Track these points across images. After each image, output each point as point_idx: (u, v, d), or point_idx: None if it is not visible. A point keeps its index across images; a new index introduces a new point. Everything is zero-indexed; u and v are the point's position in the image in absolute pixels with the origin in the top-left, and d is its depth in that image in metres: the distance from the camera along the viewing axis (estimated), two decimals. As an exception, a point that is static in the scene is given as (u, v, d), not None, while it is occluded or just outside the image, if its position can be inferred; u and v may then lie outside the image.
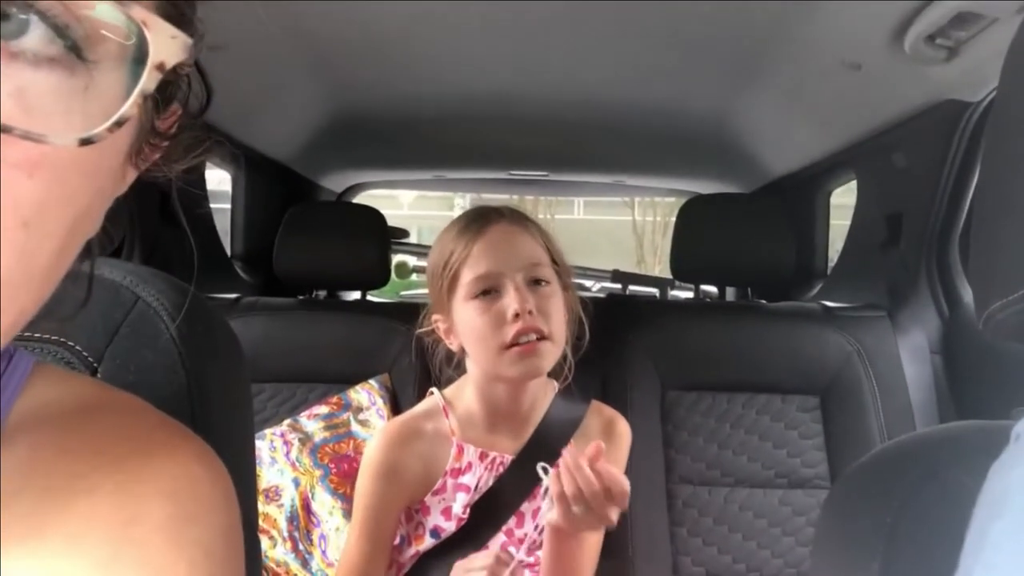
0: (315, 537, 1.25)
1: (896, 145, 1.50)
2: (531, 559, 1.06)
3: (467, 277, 1.04)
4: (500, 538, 1.06)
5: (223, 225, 2.01)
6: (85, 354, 0.44)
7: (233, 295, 1.67)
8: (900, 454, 0.45)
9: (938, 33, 1.13)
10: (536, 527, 1.07)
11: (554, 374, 1.14)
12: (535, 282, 1.03)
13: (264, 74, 1.53)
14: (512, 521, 1.07)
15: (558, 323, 1.03)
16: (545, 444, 1.10)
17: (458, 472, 1.06)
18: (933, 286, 1.45)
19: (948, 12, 1.07)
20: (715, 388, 1.42)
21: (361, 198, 2.69)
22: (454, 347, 1.09)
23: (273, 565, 1.21)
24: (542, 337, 1.01)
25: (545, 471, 0.94)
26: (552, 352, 1.03)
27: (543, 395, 1.12)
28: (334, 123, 1.90)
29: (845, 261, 1.76)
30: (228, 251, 2.02)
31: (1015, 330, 0.45)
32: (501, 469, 1.08)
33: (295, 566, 1.22)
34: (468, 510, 1.06)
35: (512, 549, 1.02)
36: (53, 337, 0.44)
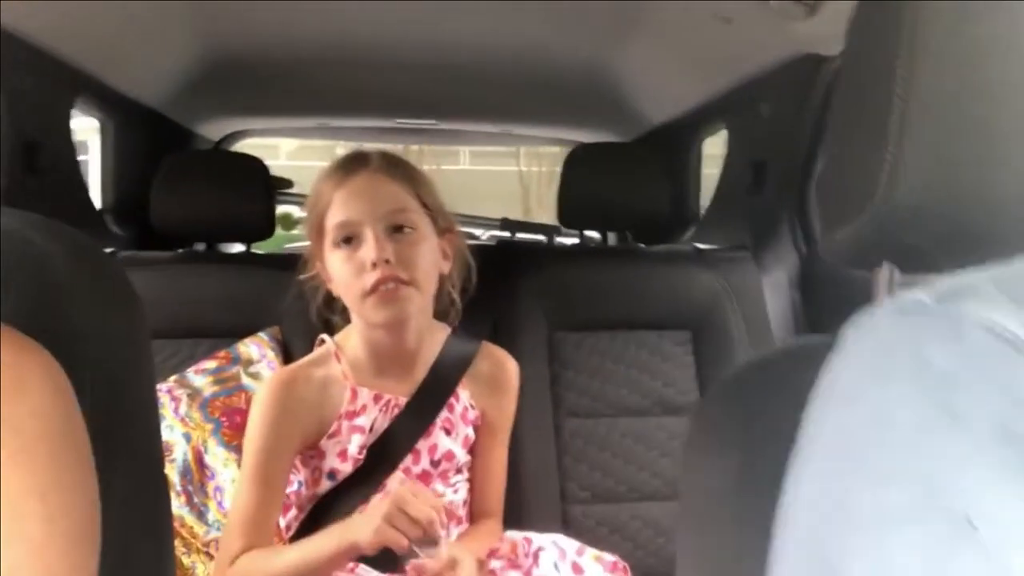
0: (210, 489, 1.24)
1: (762, 96, 1.60)
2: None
3: (330, 224, 1.06)
4: (398, 475, 1.10)
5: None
6: None
7: (107, 250, 1.59)
8: (758, 365, 0.51)
9: (799, -10, 1.22)
10: (432, 462, 1.12)
11: (442, 316, 1.18)
12: (398, 229, 1.05)
13: (132, 12, 1.44)
14: (408, 459, 1.10)
15: (423, 269, 1.06)
16: (437, 384, 1.14)
17: (353, 415, 1.09)
18: (793, 227, 1.57)
19: (807, -30, 1.15)
20: (598, 327, 1.50)
21: (239, 147, 2.60)
22: (335, 292, 1.11)
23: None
24: (403, 283, 1.03)
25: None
26: (415, 298, 1.05)
27: (431, 337, 1.16)
28: (209, 66, 1.82)
29: (716, 206, 1.88)
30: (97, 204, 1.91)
31: (851, 255, 0.52)
32: (396, 411, 1.11)
33: (190, 519, 1.22)
34: (364, 451, 1.09)
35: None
36: None
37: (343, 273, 1.05)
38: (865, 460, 0.28)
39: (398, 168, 1.10)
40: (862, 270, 0.54)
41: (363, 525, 0.94)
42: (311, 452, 1.09)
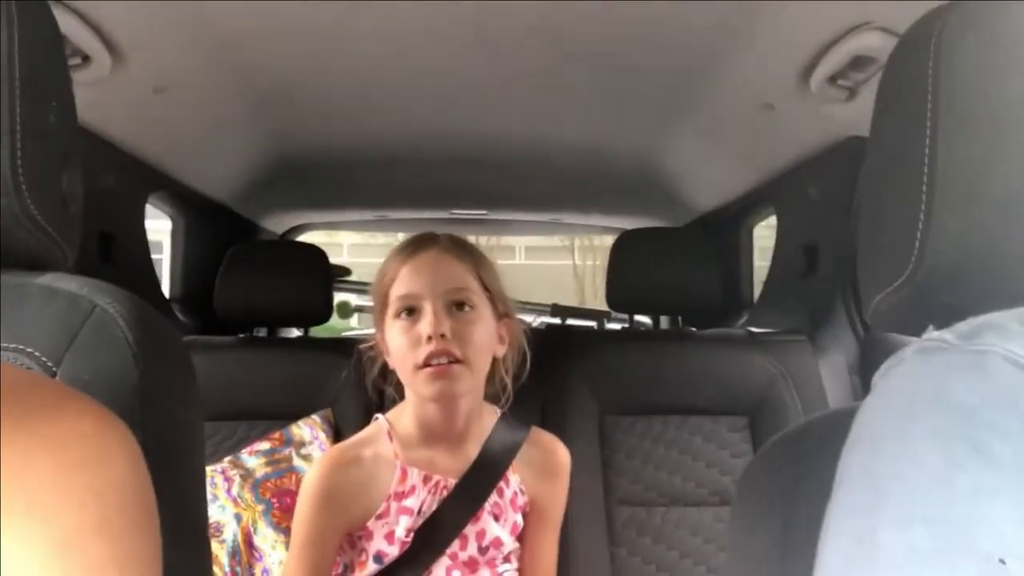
0: (257, 571, 1.24)
1: (809, 180, 1.61)
2: (476, 580, 1.08)
3: (393, 296, 1.09)
4: (444, 562, 1.08)
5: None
6: (44, 359, 0.47)
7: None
8: (803, 429, 0.50)
9: (839, 75, 1.24)
10: (480, 549, 1.09)
11: (493, 400, 1.18)
12: (458, 306, 1.07)
13: (205, 116, 1.56)
14: (456, 545, 1.09)
15: (476, 349, 1.07)
16: (487, 468, 1.13)
17: (402, 495, 1.08)
18: (849, 310, 1.54)
19: (846, 56, 1.18)
20: (650, 412, 1.48)
21: (302, 240, 2.71)
22: (391, 365, 1.13)
23: (216, 598, 1.20)
24: (455, 360, 1.04)
25: None
26: (466, 376, 1.06)
27: (479, 418, 1.15)
28: (275, 164, 1.93)
29: (769, 290, 1.86)
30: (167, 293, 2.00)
31: (895, 320, 0.52)
32: (445, 493, 1.10)
33: (238, 601, 1.21)
34: (411, 534, 1.07)
35: None
36: (12, 345, 0.46)
37: (400, 344, 1.08)
38: (892, 498, 0.27)
39: (464, 249, 1.13)
40: (907, 335, 0.54)
41: None
42: (359, 533, 1.08)
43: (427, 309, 1.06)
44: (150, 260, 1.77)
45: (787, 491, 0.43)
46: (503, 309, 1.15)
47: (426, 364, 1.04)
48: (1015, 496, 0.24)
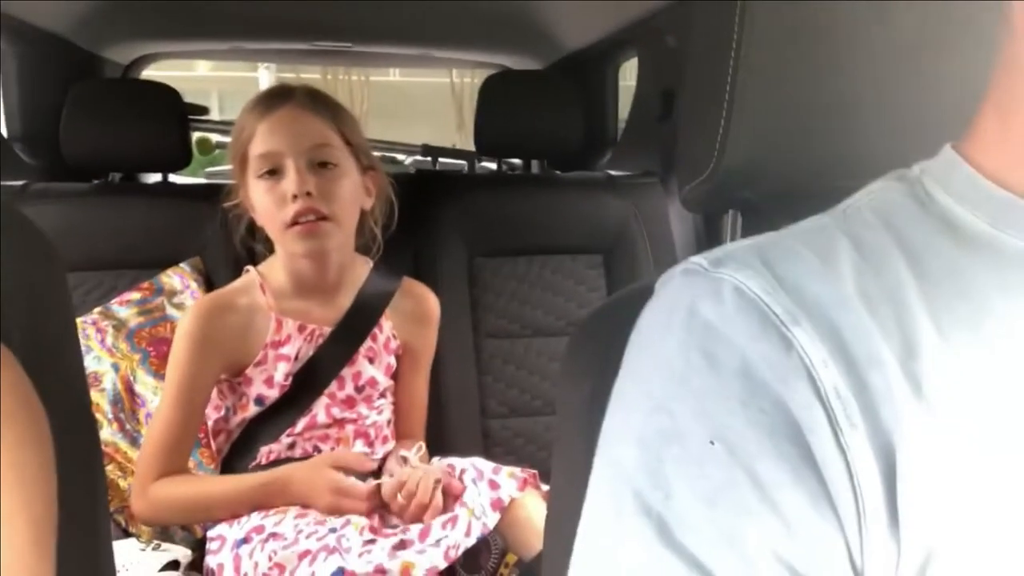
0: (141, 416, 1.29)
1: (667, 27, 1.65)
2: (352, 415, 1.19)
3: (252, 154, 1.08)
4: (323, 401, 1.16)
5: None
6: None
7: (19, 182, 1.56)
8: (619, 301, 0.59)
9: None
10: (356, 388, 1.19)
11: (364, 250, 1.23)
12: (322, 164, 1.08)
13: None
14: (333, 385, 1.17)
15: (344, 205, 1.09)
16: (361, 316, 1.20)
17: (278, 344, 1.14)
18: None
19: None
20: (516, 253, 1.58)
21: (152, 68, 2.50)
22: (258, 222, 1.15)
23: (102, 446, 1.25)
24: (323, 217, 1.07)
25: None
26: (335, 232, 1.09)
27: (354, 270, 1.21)
28: None
29: (628, 133, 1.95)
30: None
31: (699, 204, 0.61)
32: (320, 340, 1.17)
33: (124, 444, 1.27)
34: (290, 378, 1.15)
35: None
36: None
37: (265, 204, 1.09)
38: (647, 392, 0.36)
39: (322, 104, 1.12)
40: (713, 215, 0.63)
41: (310, 496, 1.06)
42: (238, 379, 1.14)
43: (290, 167, 1.06)
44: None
45: (597, 360, 0.51)
46: (367, 162, 1.16)
47: (294, 223, 1.07)
48: (728, 394, 0.33)
